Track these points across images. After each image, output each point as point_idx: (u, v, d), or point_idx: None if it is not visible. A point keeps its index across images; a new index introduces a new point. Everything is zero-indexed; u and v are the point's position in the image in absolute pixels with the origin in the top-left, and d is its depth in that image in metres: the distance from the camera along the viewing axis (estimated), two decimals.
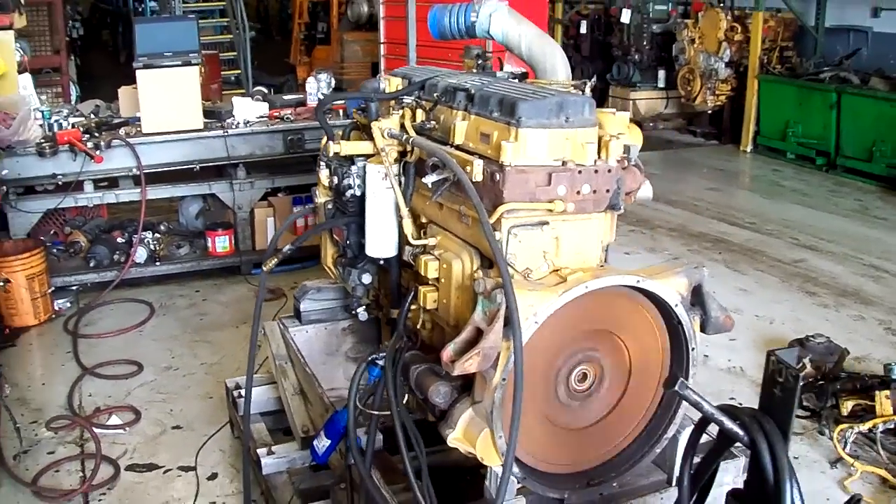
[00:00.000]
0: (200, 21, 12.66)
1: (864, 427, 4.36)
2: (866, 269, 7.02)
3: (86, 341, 5.57)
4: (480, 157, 2.81)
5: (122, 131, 6.27)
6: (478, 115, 2.94)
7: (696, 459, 2.47)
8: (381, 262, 3.52)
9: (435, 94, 3.25)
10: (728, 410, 2.04)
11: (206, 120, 6.46)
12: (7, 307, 5.69)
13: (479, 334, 2.58)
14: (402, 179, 3.26)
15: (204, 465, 4.16)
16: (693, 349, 2.93)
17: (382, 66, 9.82)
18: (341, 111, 6.53)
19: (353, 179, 3.48)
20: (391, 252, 3.38)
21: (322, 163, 3.71)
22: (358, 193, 3.48)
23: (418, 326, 3.24)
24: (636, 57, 13.05)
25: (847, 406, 4.55)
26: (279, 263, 4.75)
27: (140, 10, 16.68)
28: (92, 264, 6.39)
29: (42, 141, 5.94)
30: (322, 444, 3.28)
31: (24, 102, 6.19)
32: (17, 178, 5.98)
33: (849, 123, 10.08)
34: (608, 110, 3.02)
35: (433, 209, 3.14)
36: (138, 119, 6.30)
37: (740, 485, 2.37)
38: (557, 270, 2.79)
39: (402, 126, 3.28)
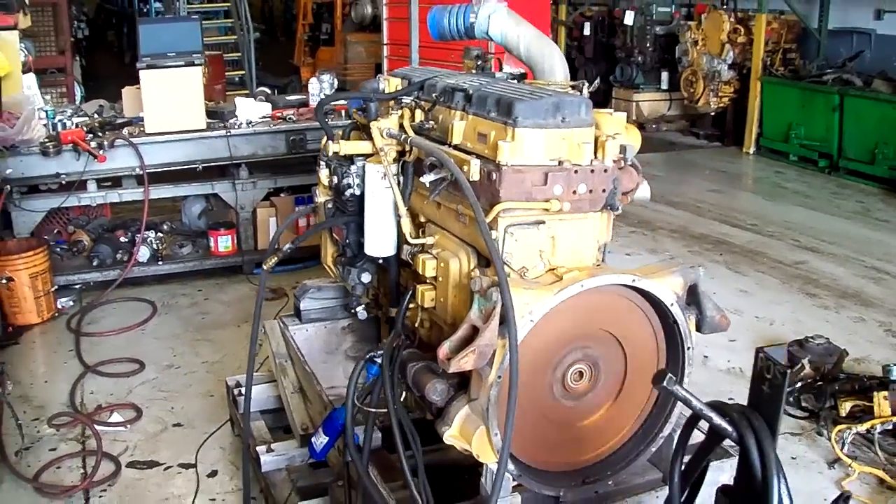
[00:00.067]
0: (205, 22, 12.80)
1: (862, 428, 4.38)
2: (867, 270, 7.03)
3: (88, 339, 5.60)
4: (478, 156, 2.83)
5: (125, 131, 6.31)
6: (475, 115, 2.96)
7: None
8: (380, 261, 3.54)
9: (433, 95, 3.28)
10: (717, 407, 2.06)
11: (209, 120, 6.50)
12: (10, 305, 5.72)
13: (475, 332, 2.60)
14: (401, 179, 3.29)
15: (204, 463, 4.19)
16: (689, 348, 2.94)
17: (385, 66, 9.86)
18: (343, 112, 6.55)
19: (352, 179, 3.51)
20: (390, 251, 3.40)
21: (322, 162, 3.74)
22: (357, 193, 3.51)
23: (416, 325, 3.26)
24: (639, 59, 13.07)
25: (845, 407, 4.56)
26: (280, 263, 4.79)
27: (145, 10, 16.74)
28: (95, 263, 6.43)
29: (46, 140, 5.98)
30: (320, 440, 3.30)
31: (28, 102, 6.24)
32: (20, 177, 6.02)
33: (851, 126, 10.09)
34: (605, 111, 3.03)
35: (431, 208, 3.16)
36: (142, 119, 6.35)
37: None
38: (554, 269, 2.81)
39: (401, 126, 3.31)
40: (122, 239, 6.72)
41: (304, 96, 7.26)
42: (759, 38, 11.22)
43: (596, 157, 2.84)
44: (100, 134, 6.15)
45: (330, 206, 3.79)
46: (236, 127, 6.52)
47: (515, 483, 2.85)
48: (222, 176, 6.70)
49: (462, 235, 3.00)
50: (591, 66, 14.06)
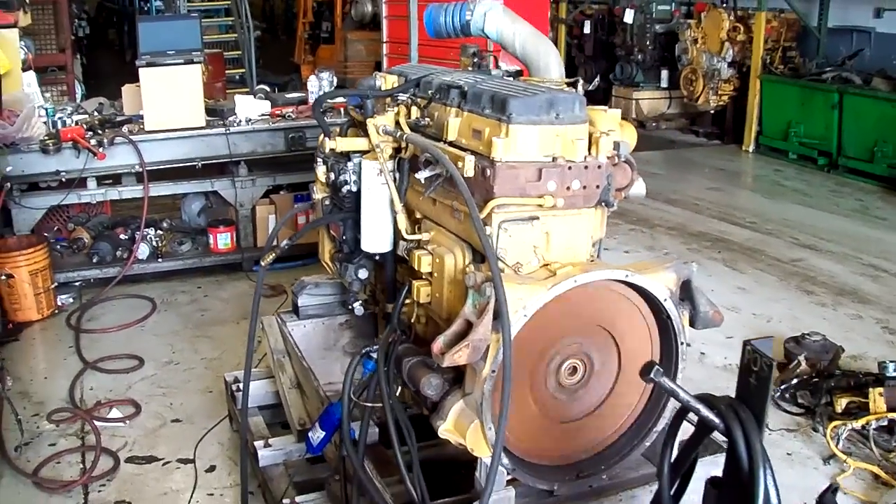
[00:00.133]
0: (205, 20, 12.84)
1: (858, 424, 4.39)
2: (865, 268, 7.04)
3: (88, 336, 5.62)
4: (472, 153, 2.85)
5: (125, 129, 6.33)
6: (470, 112, 2.98)
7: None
8: (377, 257, 3.56)
9: (429, 92, 3.30)
10: (705, 399, 2.08)
11: (209, 118, 6.53)
12: (10, 302, 5.75)
13: (469, 327, 2.62)
14: (397, 175, 3.31)
15: (202, 458, 4.21)
16: (682, 343, 2.97)
17: (385, 64, 9.88)
18: (342, 109, 6.57)
19: (349, 175, 3.53)
20: (386, 247, 3.42)
21: (319, 159, 3.77)
22: (354, 189, 3.53)
23: (412, 321, 3.29)
24: (639, 57, 13.09)
25: (841, 403, 4.58)
26: (279, 260, 4.80)
27: (146, 8, 16.76)
28: (95, 260, 6.45)
29: (46, 138, 6.00)
30: (317, 435, 3.32)
31: (28, 100, 6.27)
32: (21, 174, 6.05)
33: (851, 124, 10.10)
34: (600, 107, 3.06)
35: (427, 205, 3.19)
36: (141, 117, 6.37)
37: None
38: (547, 265, 2.83)
39: (397, 123, 3.33)
40: (122, 236, 6.74)
41: (303, 94, 7.29)
42: (758, 36, 11.23)
43: (590, 153, 2.85)
44: (100, 132, 6.18)
45: (327, 202, 3.82)
46: (235, 125, 6.54)
47: (510, 477, 2.88)
48: (222, 173, 6.73)
49: (457, 231, 3.03)
50: (591, 64, 14.08)
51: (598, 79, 13.86)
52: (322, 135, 3.68)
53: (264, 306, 5.36)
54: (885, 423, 4.40)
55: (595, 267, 2.81)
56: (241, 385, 3.94)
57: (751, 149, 11.54)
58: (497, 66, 3.76)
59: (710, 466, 2.76)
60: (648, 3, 12.92)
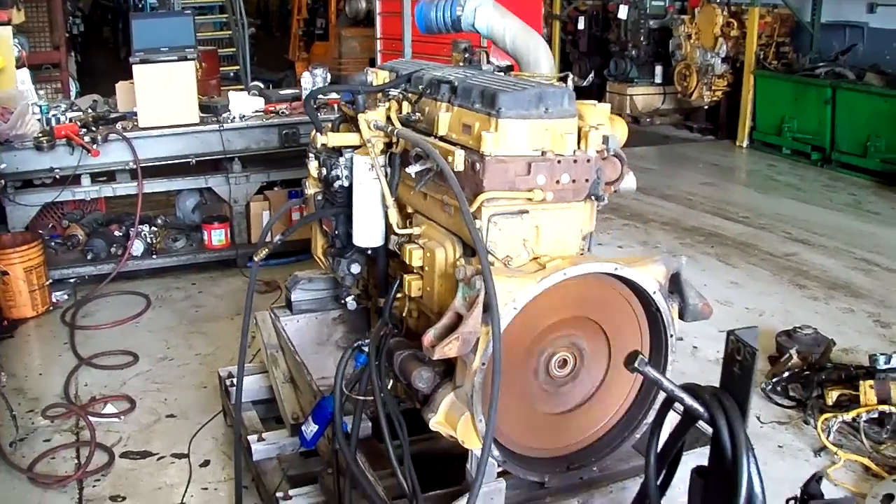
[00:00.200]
0: (200, 17, 12.82)
1: (848, 416, 4.41)
2: (857, 262, 7.07)
3: (83, 332, 5.63)
4: (463, 147, 2.87)
5: (118, 126, 6.34)
6: (461, 107, 3.00)
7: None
8: (369, 251, 3.58)
9: (420, 87, 3.32)
10: (689, 388, 2.10)
11: (203, 114, 6.53)
12: (5, 299, 5.76)
13: (459, 320, 2.64)
14: (388, 170, 3.33)
15: (197, 453, 4.23)
16: (671, 336, 2.99)
17: (379, 61, 9.90)
18: (336, 106, 6.57)
19: (340, 170, 3.55)
20: (378, 242, 3.44)
21: (311, 155, 3.78)
22: (346, 184, 3.55)
23: (404, 314, 3.30)
24: (633, 53, 13.10)
25: (832, 396, 4.60)
26: (274, 256, 4.81)
27: (140, 6, 16.73)
28: (89, 257, 6.46)
29: (40, 135, 6.01)
30: (310, 429, 3.35)
31: (21, 97, 6.27)
32: (14, 171, 6.06)
33: (844, 119, 10.13)
34: (589, 102, 3.08)
35: (418, 199, 3.21)
36: (135, 113, 6.37)
37: None
38: (537, 258, 2.85)
39: (388, 118, 3.35)
40: (117, 233, 6.75)
41: (297, 90, 7.28)
42: (752, 31, 11.25)
43: (579, 147, 2.88)
44: (93, 128, 6.20)
45: (319, 197, 3.84)
46: (229, 121, 6.55)
47: (500, 469, 2.91)
48: (216, 170, 6.74)
49: (448, 225, 3.05)
50: (586, 60, 14.09)
51: (592, 75, 14.02)
52: (314, 130, 3.70)
53: (259, 302, 5.40)
54: (876, 415, 4.42)
55: (584, 260, 2.84)
56: (234, 380, 3.96)
57: (744, 144, 11.57)
58: (488, 62, 3.77)
59: (701, 459, 2.80)
60: None
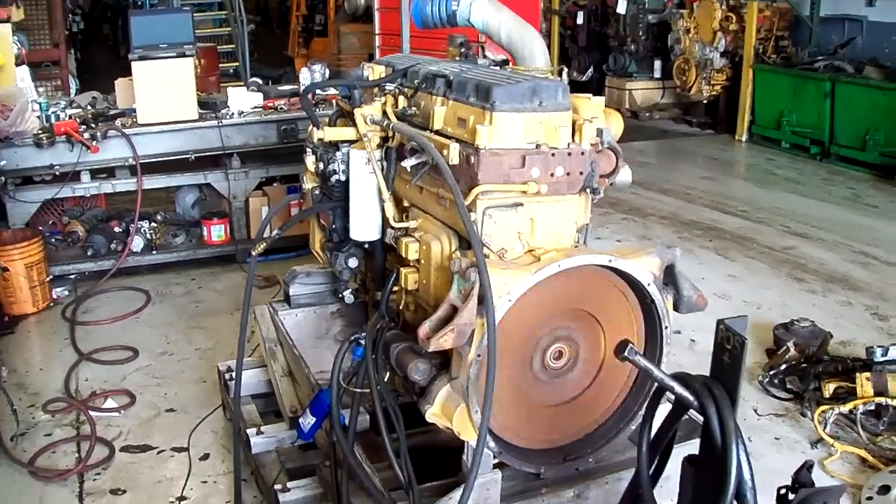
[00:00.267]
0: (199, 14, 12.84)
1: (845, 408, 4.43)
2: (856, 255, 7.08)
3: (83, 328, 5.66)
4: (458, 140, 2.89)
5: (118, 122, 6.35)
6: (456, 101, 3.02)
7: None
8: (366, 245, 3.60)
9: (416, 81, 3.33)
10: (680, 377, 2.12)
11: (201, 110, 6.55)
12: (6, 295, 5.78)
13: (454, 312, 2.66)
14: (385, 164, 3.34)
15: (196, 446, 4.25)
16: (666, 327, 3.01)
17: (377, 56, 9.89)
18: (335, 101, 6.58)
19: (337, 165, 3.57)
20: (374, 235, 3.46)
21: (308, 149, 3.81)
22: (342, 178, 3.57)
23: (401, 308, 3.33)
24: (632, 47, 13.11)
25: (829, 388, 4.62)
26: (274, 251, 4.84)
27: (139, 3, 16.75)
28: (89, 253, 6.48)
29: (39, 132, 6.03)
30: (307, 421, 3.37)
31: (21, 94, 6.28)
32: (15, 168, 6.08)
33: (843, 112, 10.14)
34: (584, 95, 3.10)
35: (414, 193, 3.23)
36: (134, 110, 6.39)
37: None
38: (532, 250, 2.87)
39: (384, 112, 3.37)
40: (117, 229, 6.77)
41: (295, 86, 7.29)
42: (750, 25, 11.26)
43: (573, 140, 2.90)
44: (93, 125, 6.21)
45: (317, 192, 3.86)
46: (228, 117, 6.57)
47: (496, 460, 2.93)
48: (215, 166, 6.75)
49: (443, 218, 3.07)
50: (585, 54, 14.10)
51: (591, 69, 13.99)
52: (311, 125, 3.71)
53: (259, 297, 5.41)
54: (873, 407, 4.43)
55: (579, 252, 2.86)
56: (234, 374, 3.99)
57: (743, 138, 11.58)
58: (484, 56, 3.79)
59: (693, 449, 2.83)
60: None
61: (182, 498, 3.87)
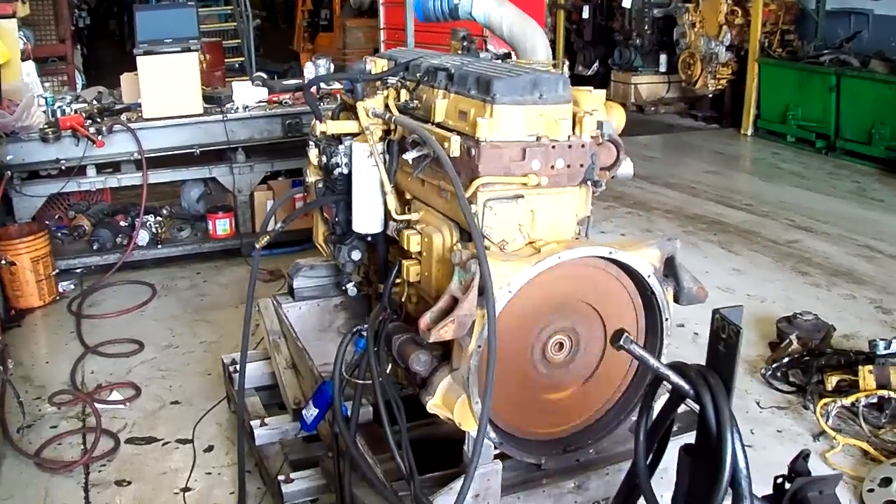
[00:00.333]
0: (205, 9, 12.86)
1: (847, 401, 4.43)
2: (860, 249, 7.08)
3: (89, 321, 5.69)
4: (459, 133, 2.90)
5: (123, 117, 6.38)
6: (457, 94, 3.04)
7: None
8: (369, 238, 3.62)
9: (418, 75, 3.35)
10: (676, 367, 2.14)
11: (206, 105, 6.57)
12: (12, 289, 5.81)
13: (455, 303, 2.68)
14: (387, 157, 3.36)
15: (201, 438, 4.28)
16: (666, 319, 3.03)
17: (382, 51, 9.89)
18: (339, 96, 6.60)
19: (340, 158, 3.59)
20: (377, 228, 3.48)
21: (311, 143, 3.82)
22: (345, 171, 3.59)
23: (404, 300, 3.34)
24: (638, 41, 13.11)
25: (832, 381, 4.63)
26: (278, 245, 4.84)
27: None
28: (95, 247, 6.51)
29: (45, 127, 6.05)
30: (310, 413, 3.39)
31: (27, 89, 6.32)
32: (21, 163, 6.10)
33: (848, 106, 10.12)
34: (584, 88, 3.10)
35: (416, 185, 3.24)
36: (140, 105, 6.41)
37: None
38: (532, 242, 2.89)
39: (387, 105, 3.38)
40: (122, 223, 6.80)
41: (300, 81, 7.32)
42: (756, 19, 11.25)
43: (574, 132, 2.91)
44: (98, 120, 6.23)
45: (320, 185, 3.87)
46: (233, 112, 6.59)
47: (497, 451, 2.95)
48: (220, 160, 6.77)
49: (445, 211, 3.08)
50: (590, 49, 14.09)
51: (596, 64, 14.01)
52: (314, 118, 3.73)
53: (264, 291, 5.44)
54: (875, 399, 4.44)
55: (579, 244, 2.87)
56: (238, 366, 4.01)
57: (749, 132, 11.57)
58: (486, 49, 3.80)
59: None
60: None
61: (186, 489, 3.89)
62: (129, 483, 3.95)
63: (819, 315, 5.25)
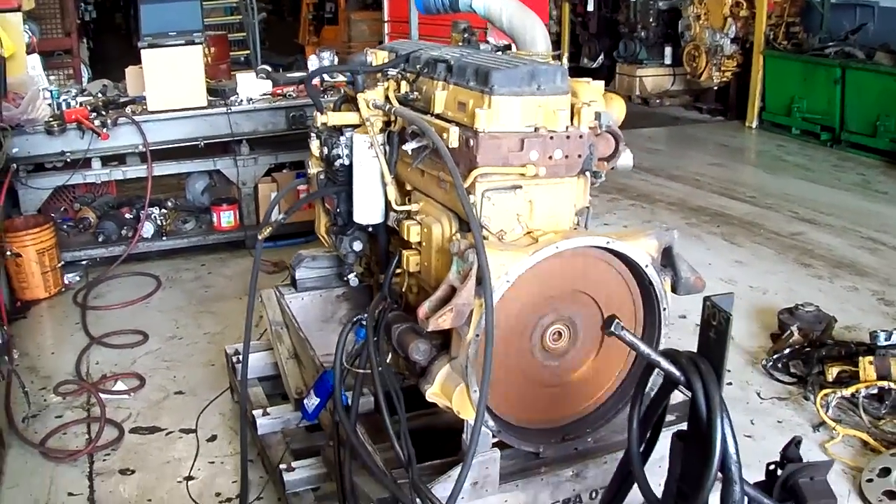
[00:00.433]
0: (211, 2, 12.87)
1: (847, 392, 4.44)
2: (863, 241, 7.08)
3: (94, 313, 5.73)
4: (458, 124, 2.92)
5: (128, 109, 6.41)
6: (456, 85, 3.05)
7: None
8: (370, 228, 3.65)
9: (418, 67, 3.36)
10: (667, 353, 2.16)
11: (211, 98, 6.60)
12: (18, 281, 5.86)
13: (453, 292, 2.70)
14: (387, 148, 3.38)
15: (204, 428, 4.32)
16: (664, 309, 3.05)
17: (386, 43, 9.92)
18: (343, 89, 6.63)
19: (341, 149, 3.62)
20: (377, 219, 3.50)
21: (313, 134, 3.85)
22: (346, 163, 3.61)
23: (404, 290, 3.37)
24: (643, 34, 13.11)
25: (832, 372, 4.64)
26: (283, 237, 4.84)
27: None
28: (100, 239, 6.56)
29: (50, 119, 6.09)
30: (312, 402, 3.42)
31: (32, 83, 6.35)
32: (26, 155, 6.14)
33: (853, 98, 10.10)
34: (583, 79, 3.12)
35: (415, 176, 3.26)
36: (144, 97, 6.45)
37: None
38: (531, 232, 2.91)
39: (387, 97, 3.40)
40: (127, 215, 6.86)
41: (304, 73, 7.34)
42: (761, 11, 11.23)
43: (572, 123, 2.92)
44: (103, 113, 6.26)
45: (322, 176, 3.90)
46: (237, 104, 6.62)
47: (496, 440, 2.97)
48: (224, 152, 6.81)
49: (444, 201, 3.10)
50: (595, 41, 14.09)
51: (602, 56, 14.00)
52: (316, 110, 3.76)
53: (268, 282, 5.47)
54: (875, 391, 4.45)
55: (577, 234, 2.89)
56: (241, 357, 4.04)
57: (754, 125, 11.56)
58: (487, 41, 3.82)
59: None
60: None
61: (190, 478, 3.93)
62: (133, 472, 3.99)
63: (821, 307, 5.27)
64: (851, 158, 9.92)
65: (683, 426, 2.76)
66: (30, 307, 5.83)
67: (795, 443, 2.39)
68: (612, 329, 2.13)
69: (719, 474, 2.00)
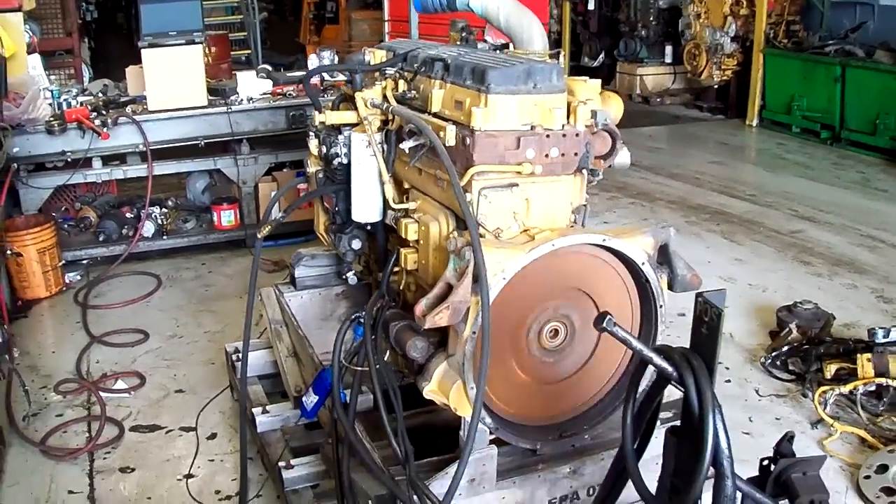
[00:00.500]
0: (212, 2, 12.89)
1: (845, 389, 4.45)
2: (863, 239, 7.09)
3: (95, 312, 5.75)
4: (454, 123, 2.93)
5: (128, 109, 6.43)
6: (453, 84, 3.07)
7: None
8: (368, 227, 3.66)
9: (415, 65, 3.38)
10: (659, 349, 2.17)
11: (211, 97, 6.62)
12: (19, 280, 5.88)
13: (450, 290, 2.71)
14: (385, 147, 3.39)
15: (204, 426, 4.33)
16: (661, 306, 3.05)
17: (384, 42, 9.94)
18: (341, 88, 6.64)
19: (339, 148, 3.63)
20: (376, 217, 3.51)
21: (311, 133, 3.86)
22: (344, 161, 3.62)
23: (402, 288, 3.38)
24: (643, 33, 13.13)
25: (831, 369, 4.65)
26: (281, 236, 4.84)
27: None
28: (101, 238, 6.58)
29: (51, 119, 6.11)
30: (310, 400, 3.44)
31: (33, 82, 6.36)
32: (27, 155, 6.16)
33: (853, 96, 10.11)
34: (580, 78, 3.12)
35: (413, 174, 3.28)
36: (145, 97, 6.47)
37: None
38: (527, 230, 2.92)
39: (384, 96, 3.41)
40: (128, 215, 6.88)
41: (304, 72, 7.35)
42: (761, 10, 11.24)
43: (568, 121, 2.93)
44: (104, 112, 6.29)
45: (320, 175, 3.91)
46: (237, 103, 6.64)
47: (493, 436, 2.98)
48: (224, 152, 6.84)
49: (441, 199, 3.12)
50: (596, 40, 14.10)
51: (602, 55, 14.01)
52: (314, 109, 3.77)
53: (268, 281, 5.48)
54: (873, 388, 4.46)
55: (573, 232, 2.90)
56: (241, 355, 4.06)
57: (754, 123, 11.57)
58: (484, 40, 3.83)
59: None
60: None
61: (190, 476, 3.95)
62: (133, 470, 4.01)
63: (820, 304, 5.28)
64: (851, 156, 9.93)
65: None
66: (31, 306, 5.86)
67: (788, 438, 2.40)
68: (605, 325, 2.14)
69: (712, 469, 2.01)
